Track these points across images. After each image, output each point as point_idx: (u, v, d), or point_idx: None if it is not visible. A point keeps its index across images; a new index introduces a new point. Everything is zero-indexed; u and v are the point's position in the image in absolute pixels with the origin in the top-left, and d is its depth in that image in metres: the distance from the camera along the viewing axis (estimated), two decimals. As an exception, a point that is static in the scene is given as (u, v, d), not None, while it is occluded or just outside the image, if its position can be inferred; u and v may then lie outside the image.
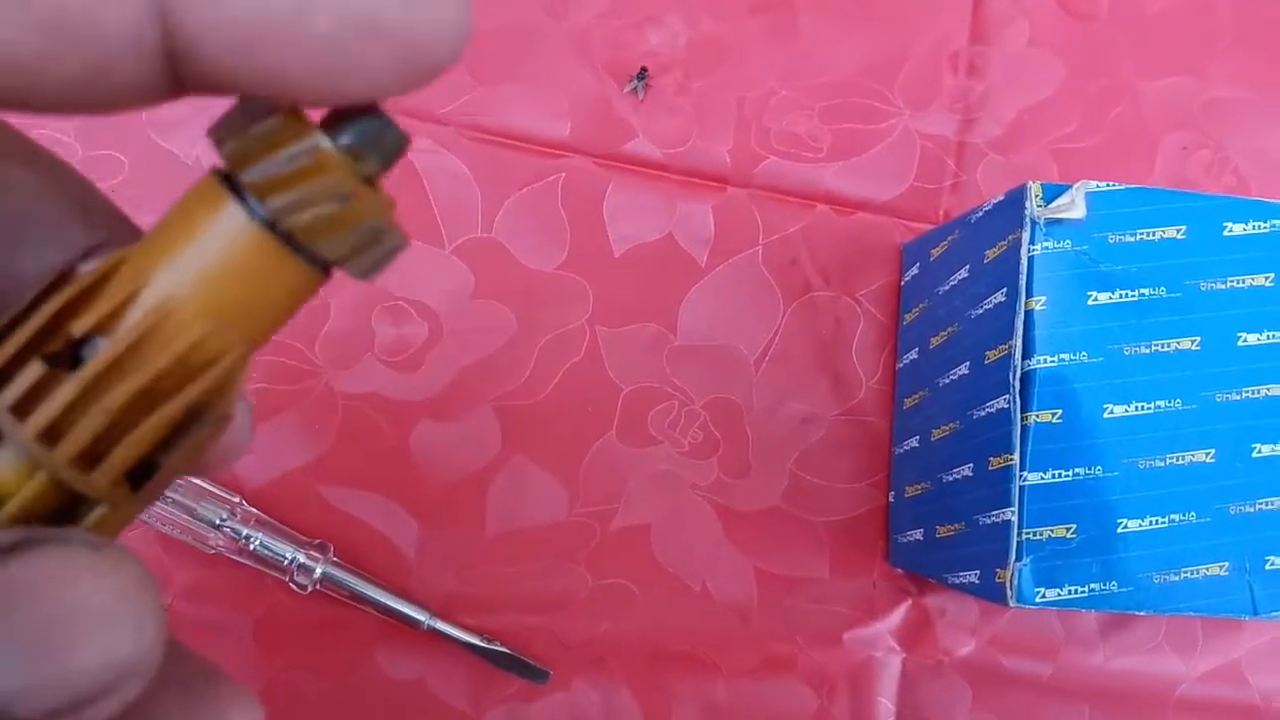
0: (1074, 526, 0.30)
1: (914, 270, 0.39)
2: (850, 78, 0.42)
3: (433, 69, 0.13)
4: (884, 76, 0.42)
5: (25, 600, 0.11)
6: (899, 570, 0.39)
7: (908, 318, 0.40)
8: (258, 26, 0.12)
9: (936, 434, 0.36)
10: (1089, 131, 0.42)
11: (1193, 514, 0.31)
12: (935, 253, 0.37)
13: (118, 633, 0.12)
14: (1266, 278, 0.31)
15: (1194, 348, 0.31)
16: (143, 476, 0.13)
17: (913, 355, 0.39)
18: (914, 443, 0.38)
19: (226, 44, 0.12)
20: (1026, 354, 0.30)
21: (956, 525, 0.34)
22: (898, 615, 0.39)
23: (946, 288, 0.36)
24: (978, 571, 0.32)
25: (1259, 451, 0.31)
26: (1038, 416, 0.30)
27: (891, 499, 0.39)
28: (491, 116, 0.40)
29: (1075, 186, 0.31)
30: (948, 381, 0.35)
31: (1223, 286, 0.31)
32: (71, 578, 0.11)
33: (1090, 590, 0.30)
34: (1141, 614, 0.37)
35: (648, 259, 0.40)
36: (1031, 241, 0.31)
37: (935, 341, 0.37)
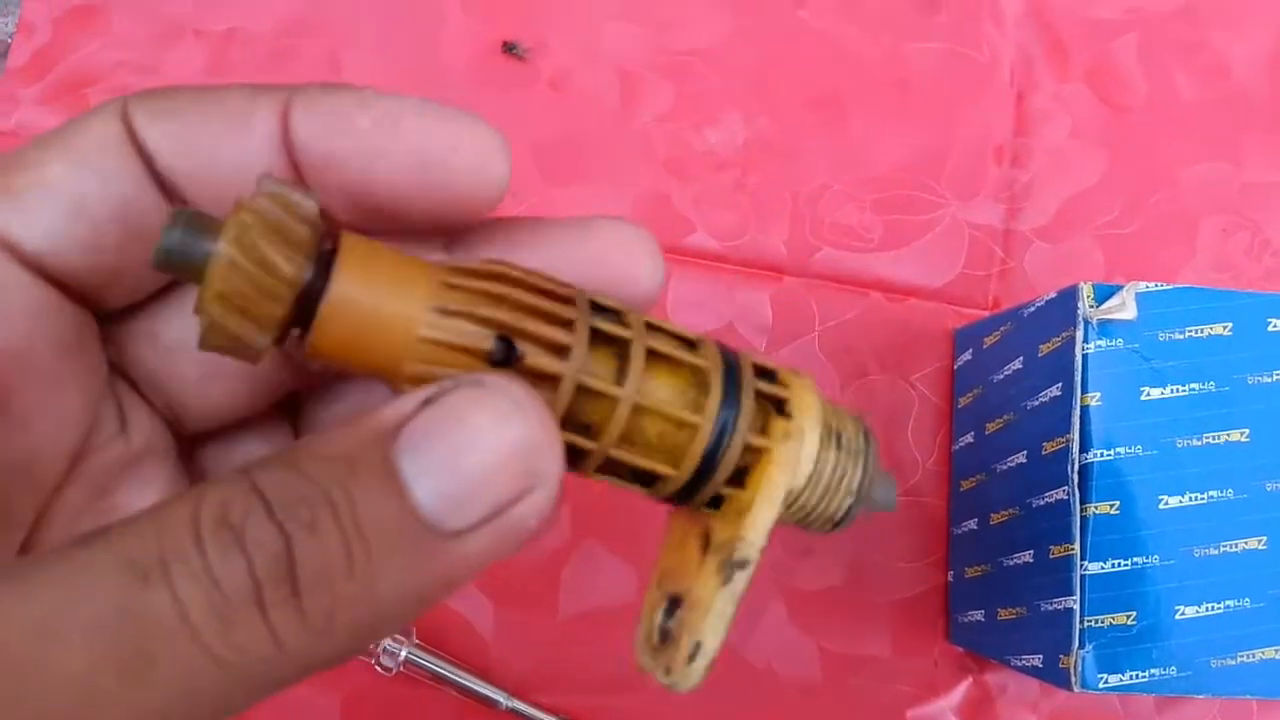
0: (1134, 614, 0.31)
1: (967, 355, 0.41)
2: (899, 171, 0.44)
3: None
4: (931, 169, 0.44)
5: (438, 428, 0.14)
6: (959, 648, 0.40)
7: (962, 401, 0.41)
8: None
9: (995, 518, 0.37)
10: (1131, 218, 0.44)
11: (1247, 600, 0.32)
12: (988, 341, 0.39)
13: (506, 435, 0.14)
14: (1312, 371, 0.33)
15: (1244, 439, 0.32)
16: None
17: (968, 439, 0.40)
18: (972, 525, 0.39)
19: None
20: (1084, 447, 0.32)
21: (1018, 609, 0.35)
22: (959, 693, 0.40)
23: (1000, 377, 0.38)
24: (1041, 656, 0.33)
25: (1311, 539, 0.32)
26: (1096, 508, 0.32)
27: (951, 579, 0.41)
28: (559, 215, 0.42)
29: (1126, 288, 0.32)
30: (1005, 468, 0.37)
31: (1269, 380, 0.33)
32: (466, 407, 0.14)
33: (1150, 675, 0.31)
34: (1198, 690, 0.38)
35: (709, 347, 0.42)
36: (1085, 340, 0.32)
37: (991, 428, 0.38)
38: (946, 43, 0.45)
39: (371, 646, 0.37)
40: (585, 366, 0.16)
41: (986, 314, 0.42)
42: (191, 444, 0.20)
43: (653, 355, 0.16)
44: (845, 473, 0.18)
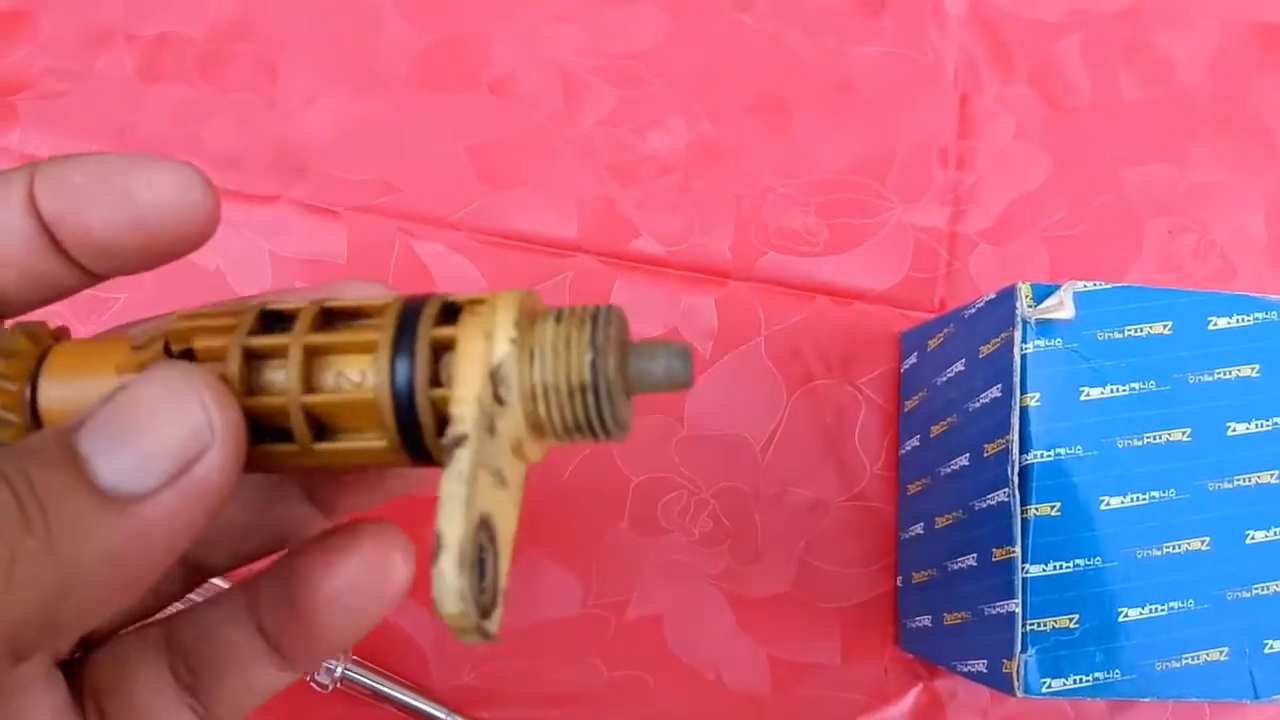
0: (1076, 617, 0.31)
1: (912, 359, 0.41)
2: (844, 174, 0.44)
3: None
4: (876, 172, 0.44)
5: (116, 413, 0.16)
6: (909, 654, 0.40)
7: (908, 405, 0.41)
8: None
9: (940, 522, 0.37)
10: (1077, 219, 0.44)
11: (1191, 601, 0.32)
12: (932, 344, 0.39)
13: (179, 411, 0.16)
14: (1253, 369, 0.33)
15: (1185, 439, 0.32)
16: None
17: (914, 442, 0.40)
18: (919, 529, 0.39)
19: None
20: (1023, 449, 0.32)
21: (963, 614, 0.34)
22: (909, 700, 0.40)
23: (944, 379, 0.37)
24: (985, 661, 0.33)
25: (1252, 538, 0.32)
26: (1037, 510, 0.31)
27: (899, 584, 0.40)
28: (501, 220, 0.42)
29: (1063, 287, 0.32)
30: (949, 471, 0.36)
31: (1210, 379, 0.32)
32: (144, 386, 0.16)
33: (1095, 679, 0.31)
34: (1148, 693, 0.37)
35: (654, 353, 0.42)
36: (1024, 340, 0.32)
37: (936, 430, 0.38)
38: (889, 45, 0.45)
39: (307, 663, 0.36)
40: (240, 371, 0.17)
41: (933, 317, 0.41)
42: None
43: (325, 348, 0.17)
44: (571, 336, 0.17)
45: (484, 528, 0.15)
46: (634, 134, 0.43)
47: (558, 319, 0.17)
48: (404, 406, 0.17)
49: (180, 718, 0.21)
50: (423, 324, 0.17)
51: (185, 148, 0.42)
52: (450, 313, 0.17)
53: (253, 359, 0.17)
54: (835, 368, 0.42)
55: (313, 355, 0.17)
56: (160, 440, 0.16)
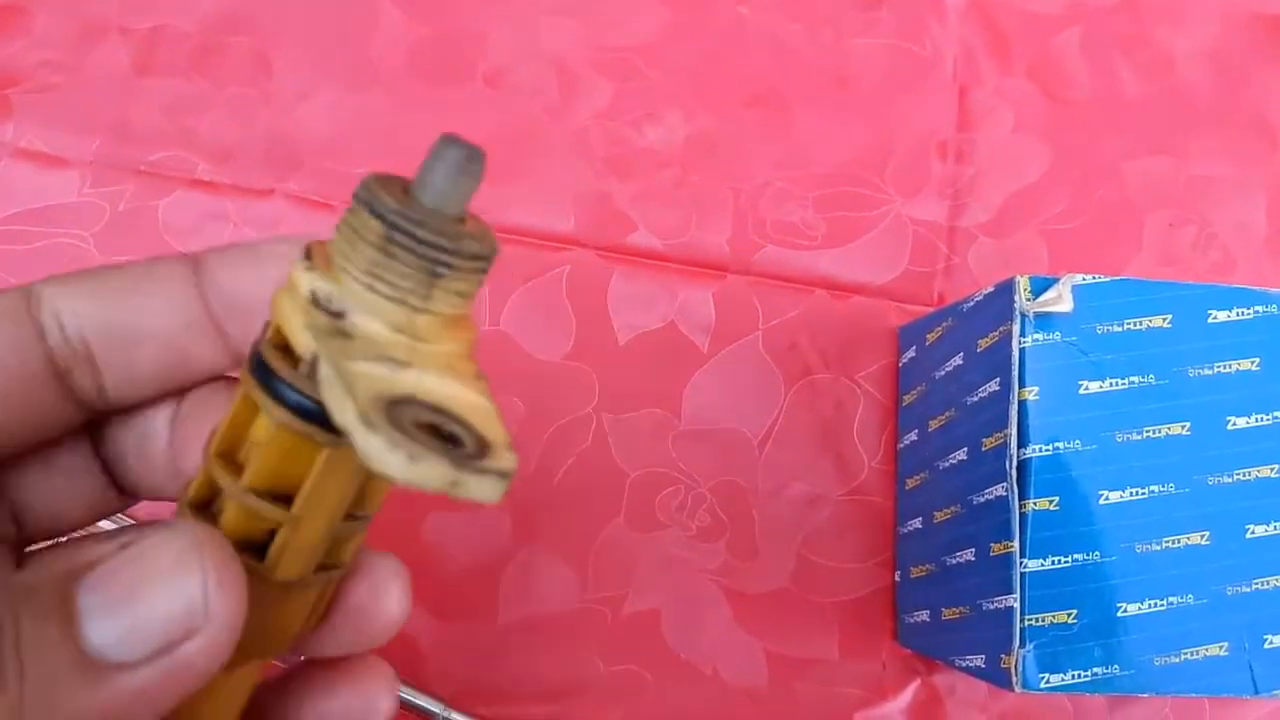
0: (1075, 612, 0.31)
1: (911, 353, 0.41)
2: (842, 167, 0.43)
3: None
4: (875, 165, 0.43)
5: (122, 570, 0.16)
6: (907, 650, 0.40)
7: (906, 399, 0.41)
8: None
9: (939, 516, 0.36)
10: (1076, 212, 0.44)
11: (1190, 596, 0.31)
12: (931, 337, 0.38)
13: (179, 580, 0.15)
14: (1252, 362, 0.32)
15: (1185, 433, 0.32)
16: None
17: (913, 436, 0.40)
18: (917, 524, 0.38)
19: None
20: (1021, 443, 0.31)
21: (961, 609, 0.34)
22: (908, 695, 0.40)
23: (942, 373, 0.37)
24: (983, 656, 0.32)
25: (1252, 532, 0.32)
26: (1035, 504, 0.31)
27: (898, 579, 0.40)
28: (497, 214, 0.42)
29: (1062, 280, 0.32)
30: (947, 465, 0.36)
31: (1210, 372, 0.32)
32: (149, 551, 0.16)
33: (1093, 674, 0.31)
34: (1147, 688, 0.37)
35: (651, 346, 0.41)
36: (1022, 334, 0.32)
37: (934, 424, 0.37)
38: (888, 38, 0.44)
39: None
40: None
41: (931, 311, 0.41)
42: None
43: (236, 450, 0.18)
44: (347, 218, 0.16)
45: (409, 405, 0.15)
46: (631, 127, 0.43)
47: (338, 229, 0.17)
48: (289, 400, 0.16)
49: None
50: (261, 349, 0.17)
51: (179, 141, 0.42)
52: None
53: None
54: (833, 362, 0.42)
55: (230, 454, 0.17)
56: (153, 612, 0.15)
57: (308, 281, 0.16)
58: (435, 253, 0.16)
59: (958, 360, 0.36)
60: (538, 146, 0.43)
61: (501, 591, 0.39)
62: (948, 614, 0.35)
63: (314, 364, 0.15)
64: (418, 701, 0.37)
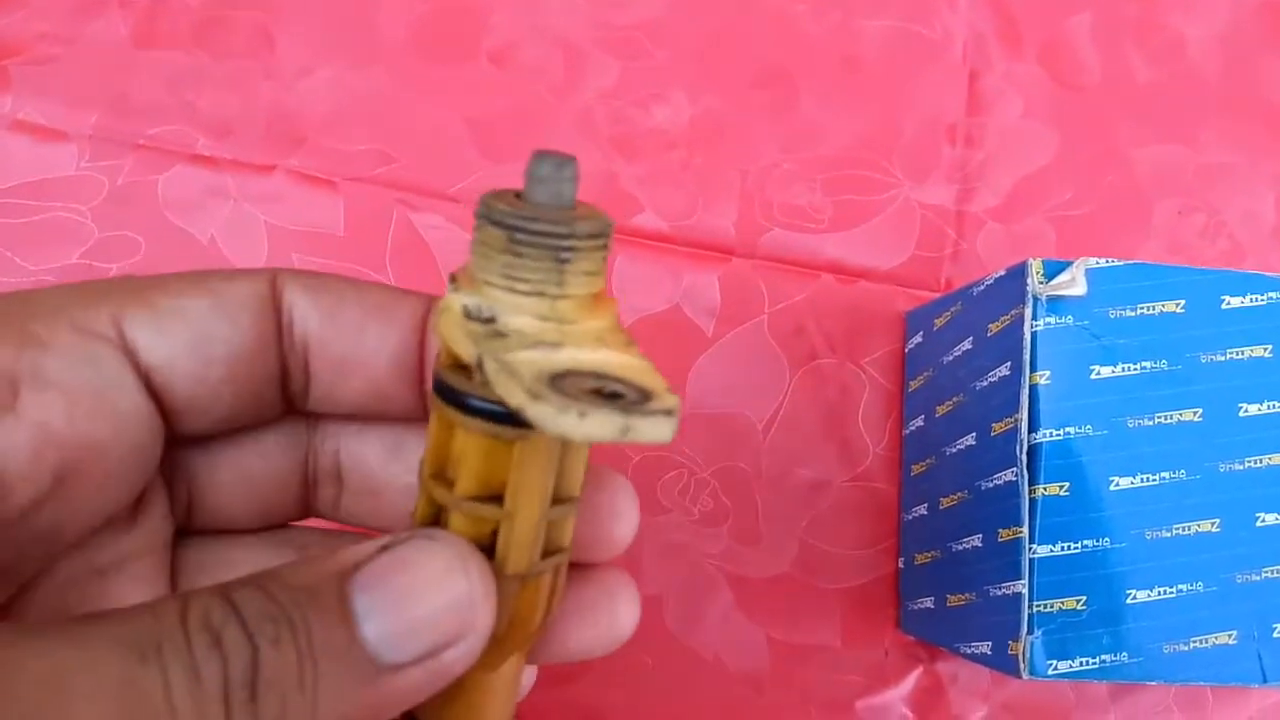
0: (1084, 598, 0.30)
1: (918, 338, 0.40)
2: (850, 150, 0.43)
3: None
4: (883, 149, 0.43)
5: (391, 573, 0.16)
6: (910, 637, 0.40)
7: (913, 385, 0.40)
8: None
9: (945, 502, 0.36)
10: (1085, 199, 0.43)
11: (1200, 584, 0.31)
12: (938, 322, 0.38)
13: (449, 587, 0.17)
14: (1265, 349, 0.32)
15: (1196, 419, 0.32)
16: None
17: (919, 422, 0.39)
18: (922, 510, 0.38)
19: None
20: (1032, 427, 0.31)
21: (967, 595, 0.34)
22: (910, 682, 0.39)
23: (951, 358, 0.37)
24: (990, 643, 0.32)
25: (1263, 521, 0.32)
26: (1045, 489, 0.31)
27: (901, 565, 0.40)
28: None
29: (1075, 263, 0.31)
30: (955, 451, 0.36)
31: (1222, 358, 0.32)
32: (415, 558, 0.17)
33: (1101, 661, 0.30)
34: (1151, 678, 0.37)
35: (656, 329, 0.41)
36: (1034, 317, 0.31)
37: (941, 410, 0.37)
38: (897, 20, 0.44)
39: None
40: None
41: (938, 296, 0.41)
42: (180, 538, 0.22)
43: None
44: (475, 232, 0.18)
45: (570, 376, 0.16)
46: (637, 107, 0.42)
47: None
48: (473, 407, 0.18)
49: None
50: (440, 372, 0.18)
51: (180, 115, 0.41)
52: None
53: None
54: (839, 347, 0.42)
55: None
56: (426, 619, 0.16)
57: (458, 299, 0.17)
58: (556, 240, 0.17)
59: (967, 345, 0.35)
60: (542, 125, 0.42)
61: (502, 574, 0.39)
62: (953, 600, 0.35)
63: (480, 365, 0.16)
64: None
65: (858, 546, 0.40)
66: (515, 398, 0.15)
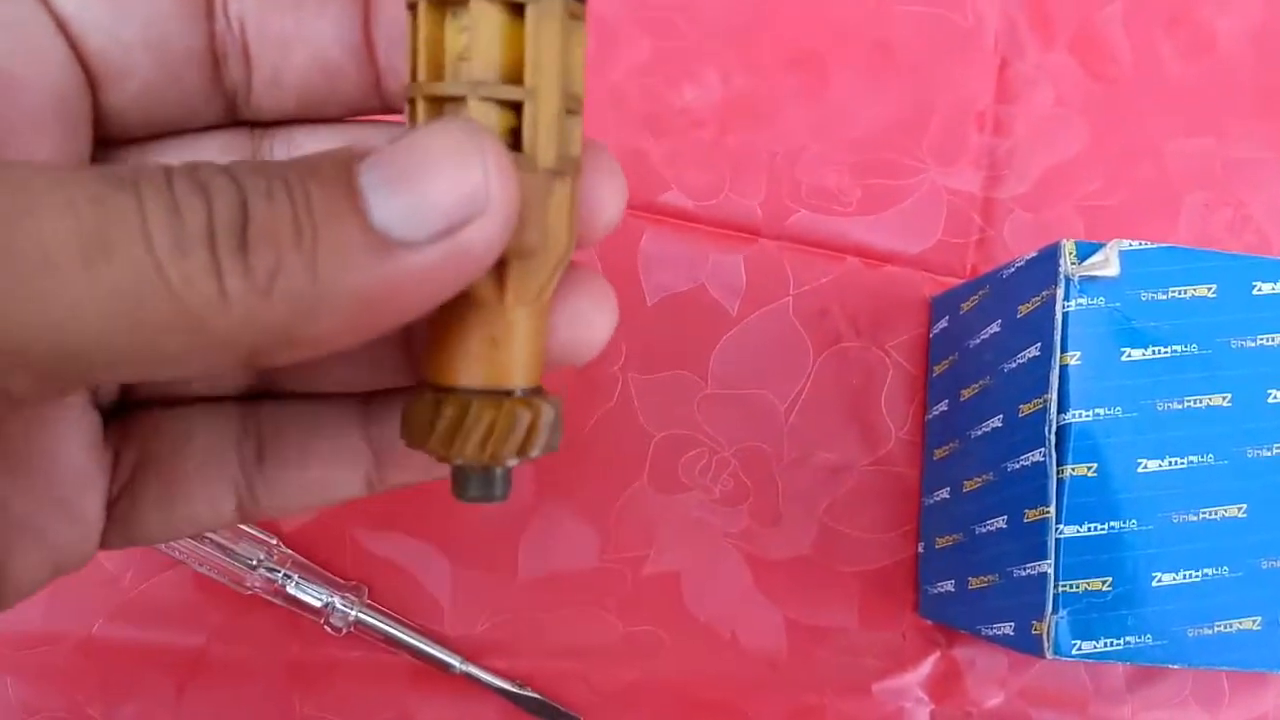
0: (1109, 580, 0.30)
1: (943, 323, 0.40)
2: (879, 134, 0.43)
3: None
4: (912, 133, 0.43)
5: (400, 155, 0.15)
6: (928, 621, 0.39)
7: (937, 370, 0.40)
8: None
9: (968, 486, 0.36)
10: (1113, 189, 0.43)
11: (1225, 568, 0.31)
12: (965, 307, 0.38)
13: (461, 163, 0.16)
14: (1296, 336, 0.32)
15: (1225, 404, 0.31)
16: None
17: (943, 407, 0.39)
18: (944, 494, 0.38)
19: None
20: (1061, 408, 0.31)
21: (990, 577, 0.34)
22: (927, 666, 0.39)
23: (977, 341, 0.37)
24: (1013, 624, 0.32)
25: (1290, 508, 0.32)
26: (1073, 470, 0.31)
27: (921, 550, 0.40)
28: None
29: (1109, 245, 0.31)
30: (980, 434, 0.36)
31: (1252, 344, 0.32)
32: (424, 138, 0.16)
33: (1125, 643, 0.30)
34: (1169, 668, 0.37)
35: (680, 308, 0.41)
36: (1066, 298, 0.31)
37: (966, 394, 0.37)
38: (930, 6, 0.44)
39: (319, 605, 0.36)
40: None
41: (964, 282, 0.41)
42: None
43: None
44: None
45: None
46: (668, 85, 0.42)
47: None
48: None
49: (220, 498, 0.22)
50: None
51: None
52: None
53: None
54: (864, 330, 0.42)
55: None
56: (437, 194, 0.15)
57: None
58: None
59: (994, 328, 0.35)
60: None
61: (522, 547, 0.39)
62: (975, 583, 0.35)
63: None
64: (436, 654, 0.37)
65: (877, 530, 0.40)
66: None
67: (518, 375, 0.19)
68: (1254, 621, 0.31)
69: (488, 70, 0.17)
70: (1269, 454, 0.32)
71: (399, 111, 0.20)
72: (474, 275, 0.16)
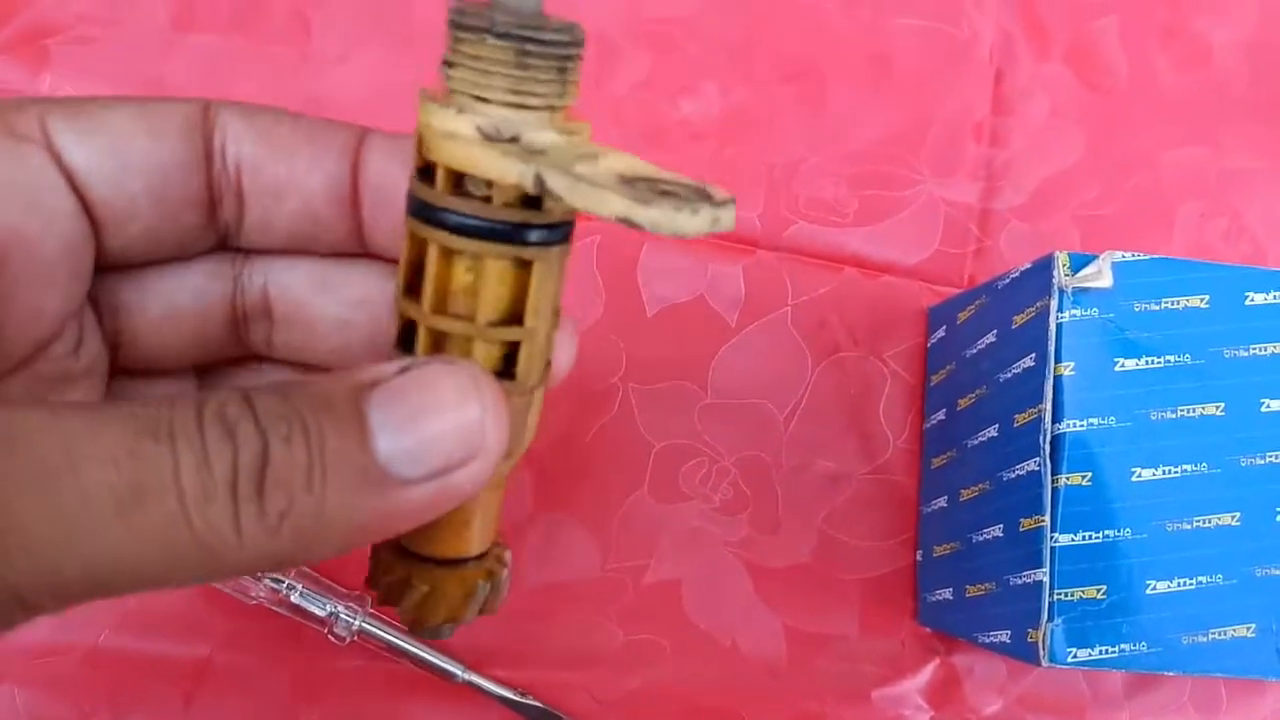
0: (1104, 587, 0.31)
1: (940, 333, 0.41)
2: (876, 146, 0.43)
3: None
4: (909, 145, 0.43)
5: (408, 393, 0.17)
6: (927, 629, 0.40)
7: (935, 379, 0.41)
8: None
9: (965, 494, 0.36)
10: (1109, 199, 0.44)
11: (1220, 576, 0.31)
12: (962, 316, 0.38)
13: (462, 412, 0.17)
14: (1288, 346, 0.32)
15: (1219, 413, 0.32)
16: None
17: (940, 416, 0.40)
18: (942, 503, 0.38)
19: None
20: (1056, 418, 0.31)
21: (987, 585, 0.34)
22: (926, 674, 0.40)
23: (974, 351, 0.37)
24: (1009, 631, 0.32)
25: (1284, 515, 0.32)
26: (1068, 479, 0.31)
27: (920, 558, 0.40)
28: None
29: (1102, 256, 0.32)
30: (976, 443, 0.36)
31: (1245, 354, 0.32)
32: (432, 380, 0.17)
33: (1120, 650, 0.31)
34: (1167, 674, 0.37)
35: (680, 319, 0.41)
36: (1060, 309, 0.32)
37: (963, 403, 0.37)
38: (926, 19, 0.44)
39: (323, 615, 0.36)
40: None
41: (961, 292, 0.41)
42: (113, 376, 0.23)
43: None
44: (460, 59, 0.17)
45: (637, 180, 0.16)
46: (667, 100, 0.43)
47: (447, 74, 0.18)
48: (494, 232, 0.18)
49: None
50: (440, 203, 0.18)
51: (216, 98, 0.42)
52: (424, 173, 0.18)
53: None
54: (862, 340, 0.42)
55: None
56: (438, 437, 0.17)
57: (466, 122, 0.17)
58: (562, 49, 0.17)
59: (991, 338, 0.36)
60: (574, 116, 0.43)
61: (523, 557, 0.39)
62: (972, 591, 0.35)
63: (541, 183, 0.16)
64: (438, 662, 0.37)
65: (876, 538, 0.41)
66: (613, 205, 0.15)
67: (479, 544, 0.21)
68: (1248, 629, 0.31)
69: (491, 312, 0.18)
70: (1262, 462, 0.32)
71: (376, 256, 0.22)
72: (459, 504, 0.18)
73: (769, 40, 0.44)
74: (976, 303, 0.37)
